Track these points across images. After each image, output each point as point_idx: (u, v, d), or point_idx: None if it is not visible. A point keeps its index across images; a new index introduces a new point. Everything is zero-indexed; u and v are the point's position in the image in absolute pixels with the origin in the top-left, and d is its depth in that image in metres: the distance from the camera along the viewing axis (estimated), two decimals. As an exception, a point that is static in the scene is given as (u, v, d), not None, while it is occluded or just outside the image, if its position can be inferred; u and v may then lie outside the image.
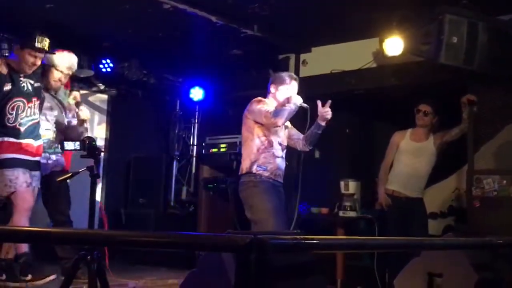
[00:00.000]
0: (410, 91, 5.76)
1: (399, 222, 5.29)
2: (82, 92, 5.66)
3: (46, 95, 4.91)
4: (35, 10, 5.64)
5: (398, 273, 4.31)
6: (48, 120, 4.93)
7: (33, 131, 4.65)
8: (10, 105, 4.53)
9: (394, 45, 5.46)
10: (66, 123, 5.02)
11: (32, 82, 4.67)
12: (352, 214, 5.90)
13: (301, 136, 4.75)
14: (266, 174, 4.53)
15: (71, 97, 5.04)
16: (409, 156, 5.36)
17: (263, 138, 4.56)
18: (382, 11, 5.29)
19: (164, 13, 5.44)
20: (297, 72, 6.68)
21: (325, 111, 4.54)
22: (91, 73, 6.67)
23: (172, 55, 6.96)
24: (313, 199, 6.49)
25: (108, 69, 6.90)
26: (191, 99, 7.78)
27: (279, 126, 4.55)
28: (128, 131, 7.68)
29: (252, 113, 4.58)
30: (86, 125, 4.98)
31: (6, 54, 5.88)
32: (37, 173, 4.68)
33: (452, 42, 4.61)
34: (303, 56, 6.68)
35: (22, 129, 4.57)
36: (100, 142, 7.32)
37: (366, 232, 6.06)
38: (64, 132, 4.98)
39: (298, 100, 4.56)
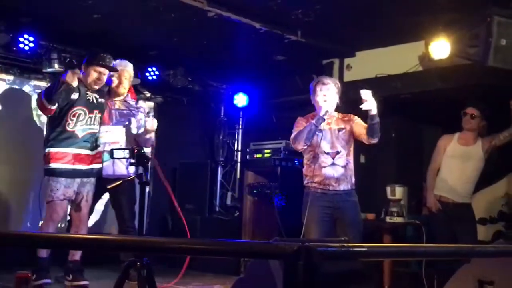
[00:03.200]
0: (457, 94, 5.66)
1: (447, 228, 5.20)
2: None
3: (108, 109, 5.17)
4: (83, 20, 5.78)
5: (447, 280, 4.24)
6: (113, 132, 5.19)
7: (90, 140, 4.96)
8: (72, 112, 4.90)
9: (440, 48, 5.38)
10: (135, 132, 5.21)
11: (97, 96, 5.04)
12: (399, 220, 5.83)
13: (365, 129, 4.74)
14: (314, 185, 4.66)
15: (138, 105, 5.36)
16: (457, 160, 5.27)
17: (309, 154, 4.72)
18: (427, 14, 5.23)
19: (209, 21, 5.50)
20: (341, 76, 6.66)
21: (363, 106, 4.50)
22: (137, 81, 6.78)
23: (216, 62, 7.03)
24: (360, 205, 6.44)
25: (154, 77, 7.01)
26: (235, 105, 7.83)
27: (301, 150, 4.70)
28: (174, 138, 7.77)
29: None
30: (152, 134, 5.21)
31: (56, 64, 6.10)
32: (90, 179, 4.96)
33: (500, 44, 4.52)
34: (347, 61, 6.65)
35: (80, 135, 4.90)
36: (148, 150, 7.42)
37: (413, 238, 5.98)
38: (134, 140, 5.17)
39: (322, 111, 4.56)
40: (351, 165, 4.74)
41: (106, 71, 5.00)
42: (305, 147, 4.66)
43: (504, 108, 5.10)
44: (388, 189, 5.91)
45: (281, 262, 2.22)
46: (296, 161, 6.66)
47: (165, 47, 6.59)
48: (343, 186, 4.66)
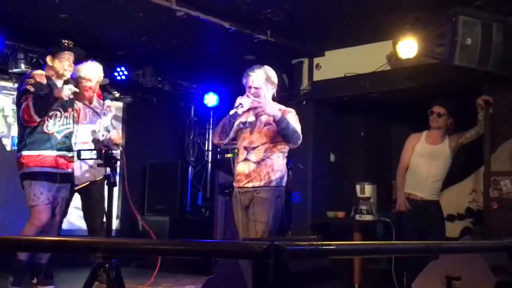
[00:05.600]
0: (425, 93, 5.73)
1: (416, 225, 5.26)
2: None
3: (82, 107, 5.09)
4: (50, 20, 5.70)
5: (416, 276, 4.30)
6: (84, 131, 5.12)
7: (67, 141, 4.85)
8: (48, 113, 4.71)
9: (407, 47, 5.44)
10: (101, 136, 5.15)
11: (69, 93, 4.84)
12: (368, 217, 5.88)
13: None
14: (234, 182, 4.50)
15: (105, 106, 5.27)
16: (425, 158, 5.34)
17: (237, 147, 4.53)
18: (394, 14, 5.28)
19: (178, 20, 5.47)
20: (311, 76, 6.68)
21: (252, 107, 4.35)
22: (106, 81, 6.71)
23: (186, 62, 7.00)
24: (329, 202, 6.49)
25: (123, 77, 6.96)
26: (205, 105, 7.82)
27: (218, 144, 4.53)
28: (143, 138, 7.72)
29: None
30: (120, 148, 5.04)
31: (22, 64, 6.00)
32: (66, 184, 4.85)
33: (466, 43, 4.57)
34: (316, 60, 6.67)
35: (59, 136, 4.78)
36: (116, 150, 7.36)
37: (383, 236, 6.04)
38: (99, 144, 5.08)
39: (241, 107, 4.26)
40: (271, 162, 4.36)
41: (73, 59, 4.85)
42: (222, 141, 4.43)
43: (470, 106, 5.18)
44: (358, 187, 5.96)
45: (251, 261, 2.22)
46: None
47: (133, 46, 6.54)
48: (254, 183, 4.34)
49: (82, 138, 5.06)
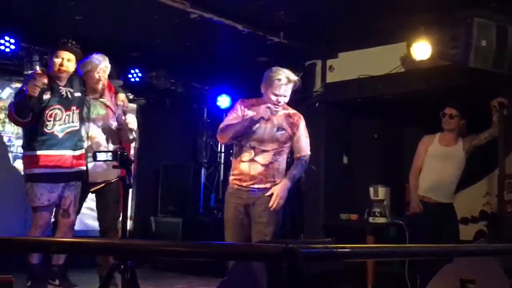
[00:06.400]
0: (438, 95, 5.71)
1: (430, 228, 5.23)
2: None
3: (93, 101, 4.97)
4: (65, 22, 5.74)
5: (430, 279, 4.27)
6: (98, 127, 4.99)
7: (71, 139, 4.74)
8: (48, 112, 4.65)
9: (422, 49, 5.42)
10: (114, 128, 5.02)
11: (72, 91, 4.78)
12: (382, 220, 5.87)
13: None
14: (231, 179, 4.38)
15: (119, 100, 5.06)
16: (438, 160, 5.31)
17: (237, 145, 4.39)
18: (409, 16, 5.27)
19: (191, 23, 5.49)
20: (324, 78, 6.68)
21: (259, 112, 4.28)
22: (120, 83, 6.73)
23: (199, 64, 7.02)
24: (342, 205, 6.47)
25: (137, 79, 7.00)
26: (218, 107, 7.83)
27: (222, 142, 4.42)
28: (157, 140, 7.75)
29: None
30: (135, 134, 5.02)
31: (37, 66, 6.02)
32: (75, 183, 4.77)
33: (481, 45, 4.55)
34: (329, 62, 6.67)
35: (60, 136, 4.68)
36: (131, 136, 7.37)
37: (396, 238, 6.02)
38: (116, 135, 5.01)
39: (264, 114, 4.20)
40: (278, 164, 4.32)
41: (71, 57, 4.72)
42: (228, 142, 4.42)
43: (484, 108, 5.15)
44: (371, 189, 5.94)
45: (265, 264, 2.23)
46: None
47: (147, 48, 6.58)
48: (259, 185, 4.28)
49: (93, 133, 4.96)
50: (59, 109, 4.70)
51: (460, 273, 3.61)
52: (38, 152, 4.64)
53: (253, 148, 4.29)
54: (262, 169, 4.27)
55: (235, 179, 4.33)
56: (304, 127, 4.38)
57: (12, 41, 5.94)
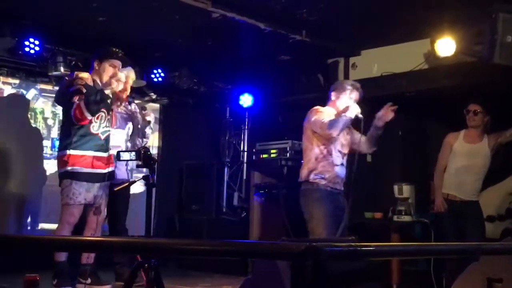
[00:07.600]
0: (463, 92, 5.64)
1: (455, 226, 5.18)
2: (135, 101, 5.82)
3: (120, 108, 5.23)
4: (88, 23, 5.80)
5: (456, 278, 4.23)
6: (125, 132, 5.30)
7: (108, 141, 4.93)
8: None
9: (446, 45, 5.37)
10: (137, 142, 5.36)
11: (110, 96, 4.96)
12: (406, 218, 5.82)
13: (364, 138, 4.78)
14: (323, 182, 4.61)
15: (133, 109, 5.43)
16: (463, 158, 5.25)
17: (322, 147, 4.65)
18: (432, 12, 5.21)
19: (213, 22, 5.50)
20: (346, 75, 6.64)
21: (386, 115, 4.66)
22: (143, 83, 6.79)
23: (221, 63, 7.03)
24: (366, 203, 6.43)
25: (160, 79, 7.03)
26: (240, 106, 7.83)
27: (334, 137, 4.61)
28: (180, 139, 7.79)
29: (310, 124, 4.68)
30: (151, 127, 5.31)
31: (62, 67, 6.10)
32: (108, 183, 4.93)
33: (506, 41, 4.49)
34: (352, 60, 6.63)
35: (102, 137, 4.86)
36: (153, 151, 7.46)
37: (421, 237, 5.96)
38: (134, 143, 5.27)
39: (355, 110, 4.59)
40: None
41: (120, 64, 4.92)
42: (335, 136, 4.63)
43: (510, 105, 5.08)
44: (396, 187, 5.90)
45: (289, 262, 2.22)
46: (302, 161, 6.65)
47: (170, 48, 6.61)
48: (342, 188, 4.73)
49: (114, 141, 5.10)
50: (103, 112, 4.85)
51: (487, 272, 3.57)
52: (81, 152, 4.76)
53: (340, 152, 4.71)
54: (345, 172, 4.73)
55: (330, 181, 4.64)
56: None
57: (37, 42, 6.01)
